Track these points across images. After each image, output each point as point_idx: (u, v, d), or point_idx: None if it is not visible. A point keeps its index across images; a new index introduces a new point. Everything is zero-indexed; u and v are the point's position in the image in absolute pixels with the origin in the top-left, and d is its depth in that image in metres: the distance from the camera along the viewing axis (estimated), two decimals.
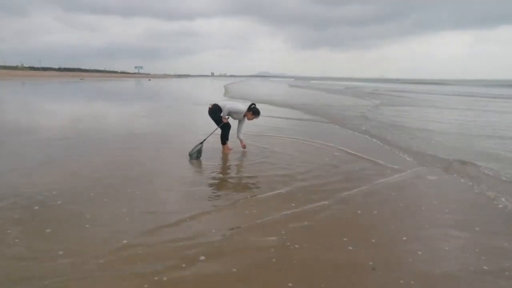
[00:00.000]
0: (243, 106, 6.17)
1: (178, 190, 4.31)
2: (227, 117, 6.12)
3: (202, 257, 2.62)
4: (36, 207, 3.48)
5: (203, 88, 39.56)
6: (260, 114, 6.25)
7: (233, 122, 6.25)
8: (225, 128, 6.23)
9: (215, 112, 6.09)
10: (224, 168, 5.39)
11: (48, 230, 3.03)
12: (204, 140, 6.05)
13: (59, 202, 3.64)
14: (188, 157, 5.75)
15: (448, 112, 14.30)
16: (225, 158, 5.97)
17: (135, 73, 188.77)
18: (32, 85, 34.99)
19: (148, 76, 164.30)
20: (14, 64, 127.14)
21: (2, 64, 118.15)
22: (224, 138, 6.31)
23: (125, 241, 2.84)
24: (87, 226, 3.13)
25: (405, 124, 10.19)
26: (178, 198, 4.04)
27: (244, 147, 6.32)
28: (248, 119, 6.21)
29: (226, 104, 6.11)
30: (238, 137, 6.33)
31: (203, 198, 3.97)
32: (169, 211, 3.56)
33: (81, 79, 73.10)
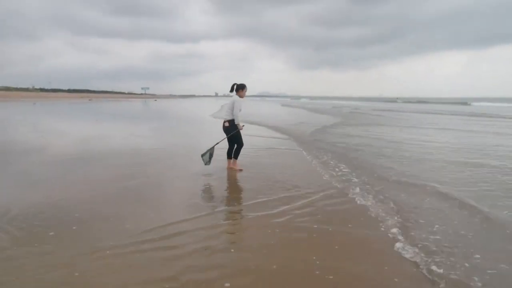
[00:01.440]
0: (234, 97, 6.31)
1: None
2: (242, 125, 6.35)
3: None
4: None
5: (204, 107, 41.72)
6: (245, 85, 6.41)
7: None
8: (239, 143, 6.41)
9: (231, 129, 6.28)
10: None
11: (51, 233, 3.67)
12: (216, 144, 6.44)
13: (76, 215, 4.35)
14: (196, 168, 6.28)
15: (407, 131, 13.85)
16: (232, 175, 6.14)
17: (141, 94, 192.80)
18: (43, 106, 36.45)
19: (154, 96, 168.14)
20: (25, 86, 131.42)
21: (15, 86, 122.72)
22: (237, 154, 6.49)
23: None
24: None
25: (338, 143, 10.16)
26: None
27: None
28: (242, 96, 6.36)
29: (235, 107, 6.17)
30: (238, 120, 6.25)
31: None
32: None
33: (89, 100, 75.77)
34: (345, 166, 6.77)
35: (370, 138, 11.54)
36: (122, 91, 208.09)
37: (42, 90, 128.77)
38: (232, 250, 3.21)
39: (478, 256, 3.07)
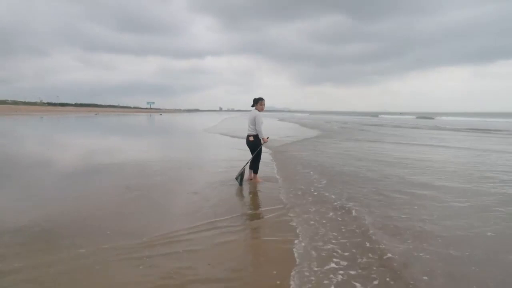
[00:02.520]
0: (254, 111, 6.43)
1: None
2: (267, 137, 6.53)
3: None
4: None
5: (206, 121, 42.35)
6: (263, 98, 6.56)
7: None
8: (258, 157, 6.56)
9: (256, 143, 6.42)
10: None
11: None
12: (246, 164, 6.57)
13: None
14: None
15: (380, 146, 13.66)
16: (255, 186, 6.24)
17: (147, 108, 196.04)
18: (49, 120, 37.07)
19: (159, 111, 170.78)
20: (33, 100, 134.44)
21: (23, 100, 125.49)
22: (257, 168, 6.62)
23: None
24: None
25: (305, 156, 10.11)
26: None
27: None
28: (260, 109, 6.48)
29: (257, 122, 6.31)
30: (262, 135, 6.39)
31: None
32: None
33: (95, 114, 77.46)
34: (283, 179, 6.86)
35: (330, 152, 11.50)
36: (128, 105, 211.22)
37: (50, 104, 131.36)
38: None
39: None
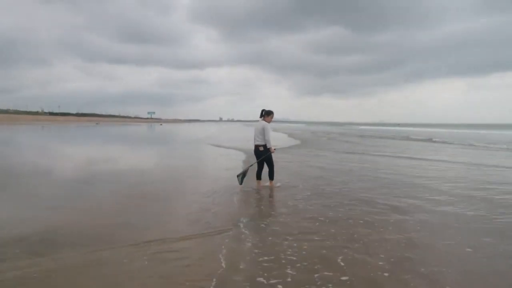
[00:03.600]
0: (262, 122, 6.78)
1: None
2: (274, 148, 6.85)
3: None
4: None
5: (204, 131, 43.04)
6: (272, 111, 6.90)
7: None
8: (272, 164, 6.84)
9: (264, 153, 6.73)
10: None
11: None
12: (250, 166, 6.95)
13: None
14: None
15: (345, 157, 13.27)
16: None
17: (147, 118, 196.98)
18: (50, 130, 37.88)
19: (159, 121, 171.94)
20: (35, 110, 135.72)
21: (24, 109, 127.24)
22: (272, 174, 6.87)
23: None
24: None
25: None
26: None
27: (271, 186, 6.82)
28: (269, 121, 6.85)
29: (266, 133, 6.64)
30: (270, 145, 6.73)
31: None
32: None
33: (96, 123, 78.16)
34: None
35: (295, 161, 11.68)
36: (129, 115, 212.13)
37: (51, 113, 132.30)
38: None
39: None
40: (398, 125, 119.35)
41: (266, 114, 6.85)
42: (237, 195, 6.28)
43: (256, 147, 6.81)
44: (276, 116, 6.96)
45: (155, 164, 11.18)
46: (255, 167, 6.99)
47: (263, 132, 6.65)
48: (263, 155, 6.75)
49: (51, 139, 23.74)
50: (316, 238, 4.00)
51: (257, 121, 7.06)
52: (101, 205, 5.53)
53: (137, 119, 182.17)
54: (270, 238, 3.98)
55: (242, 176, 6.74)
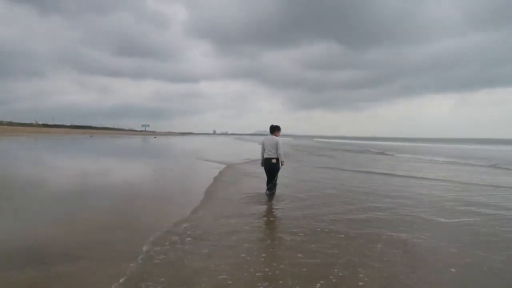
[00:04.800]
0: (274, 137, 7.24)
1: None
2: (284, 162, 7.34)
3: None
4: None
5: (194, 144, 44.10)
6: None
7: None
8: (277, 177, 7.32)
9: (277, 165, 7.19)
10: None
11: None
12: (275, 180, 7.30)
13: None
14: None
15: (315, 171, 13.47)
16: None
17: (141, 131, 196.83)
18: (44, 141, 38.01)
19: (153, 133, 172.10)
20: (29, 121, 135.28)
21: (18, 121, 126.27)
22: (275, 185, 7.38)
23: None
24: None
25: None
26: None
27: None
28: (278, 136, 7.35)
29: (279, 148, 7.10)
30: (282, 158, 7.23)
31: None
32: None
33: (90, 136, 78.55)
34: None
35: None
36: (123, 127, 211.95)
37: (45, 125, 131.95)
38: None
39: None
40: (390, 139, 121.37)
41: (277, 130, 7.34)
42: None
43: (269, 159, 7.19)
44: (268, 129, 7.64)
45: (130, 179, 10.81)
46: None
47: (275, 146, 7.09)
48: (275, 167, 7.17)
49: (42, 153, 23.68)
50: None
51: (264, 135, 7.77)
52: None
53: (131, 131, 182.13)
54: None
55: (269, 192, 7.32)
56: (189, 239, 4.44)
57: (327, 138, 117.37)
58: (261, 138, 8.05)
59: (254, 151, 27.35)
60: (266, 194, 7.33)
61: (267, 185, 7.38)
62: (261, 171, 7.78)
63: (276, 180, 7.34)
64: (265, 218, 5.81)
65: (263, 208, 6.59)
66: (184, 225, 5.10)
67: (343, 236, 4.73)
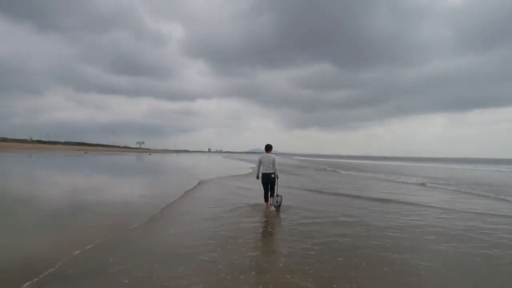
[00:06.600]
0: (271, 155, 8.33)
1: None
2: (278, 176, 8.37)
3: None
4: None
5: (189, 162, 43.42)
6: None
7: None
8: (274, 188, 8.27)
9: (275, 179, 8.18)
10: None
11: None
12: (277, 196, 8.17)
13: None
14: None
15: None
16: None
17: (136, 148, 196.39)
18: (38, 158, 38.08)
19: (148, 151, 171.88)
20: (23, 137, 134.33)
21: (12, 137, 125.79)
22: (273, 195, 8.26)
23: None
24: None
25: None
26: None
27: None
28: (270, 153, 8.44)
29: (275, 164, 8.17)
30: (277, 173, 8.28)
31: None
32: None
33: (84, 152, 78.46)
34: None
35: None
36: (118, 144, 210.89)
37: (39, 141, 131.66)
38: None
39: None
40: (384, 158, 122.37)
41: (271, 148, 8.50)
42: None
43: (268, 174, 8.21)
44: (262, 148, 8.65)
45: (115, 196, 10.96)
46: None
47: (272, 163, 8.20)
48: (273, 180, 8.19)
49: (36, 170, 23.47)
50: None
51: (261, 153, 8.90)
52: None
53: (126, 148, 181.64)
54: None
55: (278, 205, 8.07)
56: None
57: (317, 157, 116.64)
58: (255, 156, 8.77)
59: (236, 168, 27.43)
60: (275, 207, 8.06)
61: (265, 196, 8.36)
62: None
63: (277, 192, 8.27)
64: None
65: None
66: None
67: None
